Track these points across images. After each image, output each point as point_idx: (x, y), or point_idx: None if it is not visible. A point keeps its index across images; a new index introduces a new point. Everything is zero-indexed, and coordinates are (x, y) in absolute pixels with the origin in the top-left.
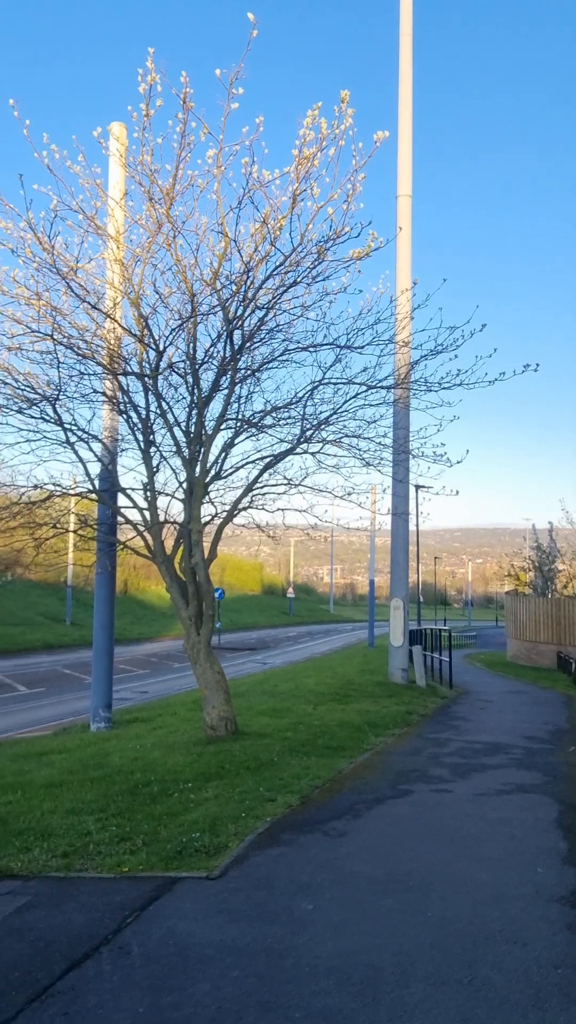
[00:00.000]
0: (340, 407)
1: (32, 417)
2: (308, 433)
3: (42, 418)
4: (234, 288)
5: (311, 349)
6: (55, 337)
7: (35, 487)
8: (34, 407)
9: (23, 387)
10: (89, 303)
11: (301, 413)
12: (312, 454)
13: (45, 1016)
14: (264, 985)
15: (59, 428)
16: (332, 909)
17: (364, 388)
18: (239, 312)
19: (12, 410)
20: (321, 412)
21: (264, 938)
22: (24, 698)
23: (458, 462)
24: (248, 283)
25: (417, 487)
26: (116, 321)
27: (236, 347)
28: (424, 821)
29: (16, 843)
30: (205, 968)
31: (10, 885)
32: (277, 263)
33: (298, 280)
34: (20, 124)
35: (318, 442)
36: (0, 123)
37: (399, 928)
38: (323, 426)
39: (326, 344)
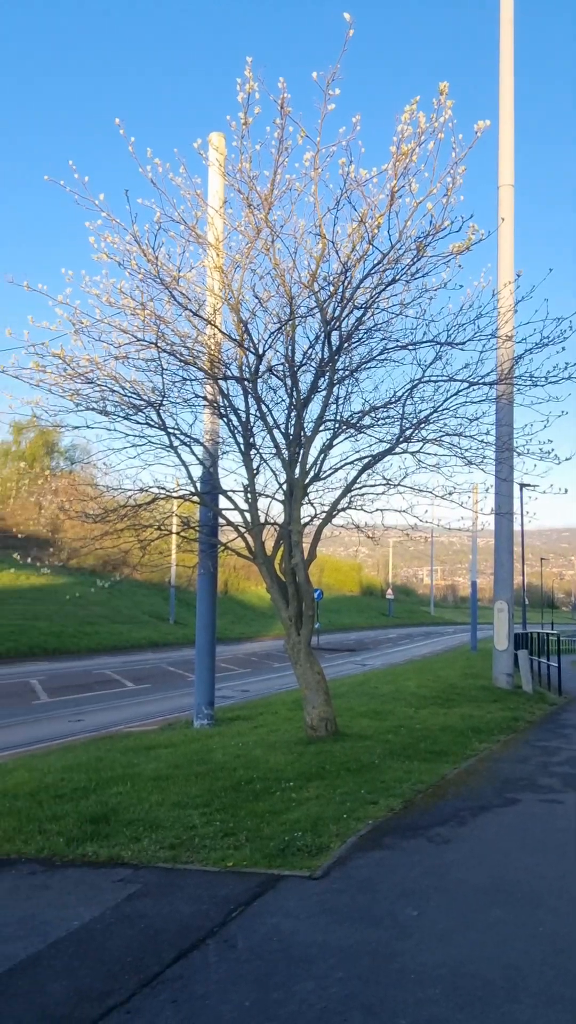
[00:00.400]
0: (441, 405)
1: (138, 423)
2: (408, 432)
3: (147, 423)
4: (332, 289)
5: (410, 347)
6: (159, 345)
7: (141, 490)
8: (140, 413)
9: (130, 394)
10: (191, 311)
11: (400, 412)
12: (412, 453)
13: (156, 1001)
14: (369, 989)
15: (163, 433)
16: (437, 916)
17: (466, 385)
18: (337, 313)
19: (120, 416)
20: (421, 411)
21: (368, 941)
22: (131, 693)
23: (567, 459)
24: (346, 283)
25: (522, 486)
26: (216, 327)
27: (334, 348)
28: (533, 831)
29: (126, 833)
30: (309, 967)
31: (121, 873)
32: (375, 261)
33: (397, 278)
34: (125, 141)
35: (418, 441)
36: (107, 141)
37: (508, 940)
38: (423, 425)
39: (426, 341)
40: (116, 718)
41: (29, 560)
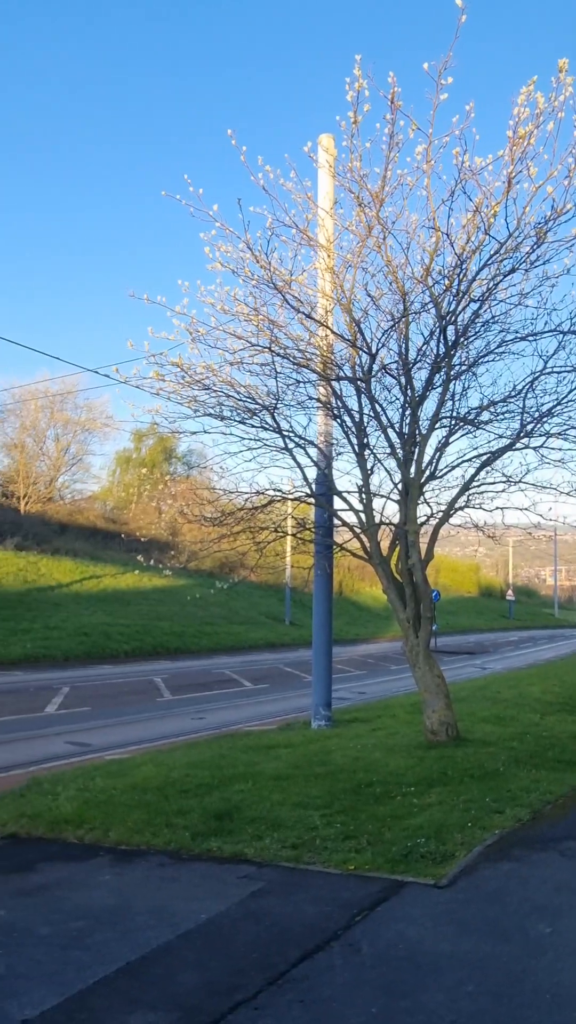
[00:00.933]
0: (565, 397)
1: (253, 427)
2: (529, 427)
3: (262, 427)
4: (447, 283)
5: (530, 338)
6: (273, 349)
7: (257, 493)
8: (255, 416)
9: (245, 399)
10: (303, 313)
11: (521, 407)
12: (534, 449)
13: (283, 1000)
14: (501, 1006)
15: (278, 435)
16: (572, 935)
17: None
18: (452, 307)
19: (236, 421)
20: (543, 404)
21: (499, 956)
22: (249, 693)
23: None
24: (461, 276)
25: None
26: (329, 328)
27: (450, 343)
28: None
29: (249, 830)
30: (438, 978)
31: (245, 870)
32: (492, 252)
33: (515, 267)
34: (237, 151)
35: (540, 436)
36: (216, 150)
37: None
38: (545, 419)
39: (547, 331)
40: (236, 717)
41: (152, 562)
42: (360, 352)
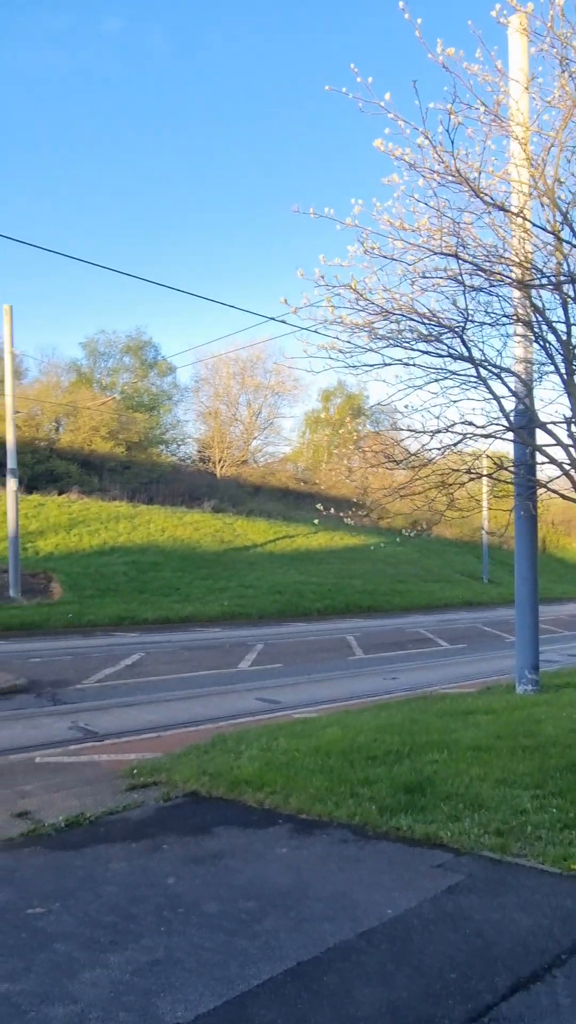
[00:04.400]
0: None
1: (439, 355)
2: None
3: (449, 354)
4: None
5: None
6: (460, 255)
7: (445, 429)
8: (438, 342)
9: (428, 323)
10: (496, 204)
11: None
12: None
13: None
14: None
15: (468, 364)
16: None
17: None
18: None
19: (419, 351)
20: None
21: None
22: (445, 653)
23: None
24: None
25: None
26: (526, 219)
27: None
28: None
29: (444, 808)
30: None
31: (440, 857)
32: None
33: None
34: (411, 25)
35: None
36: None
37: None
38: None
39: None
40: (430, 678)
41: (340, 518)
42: (567, 246)
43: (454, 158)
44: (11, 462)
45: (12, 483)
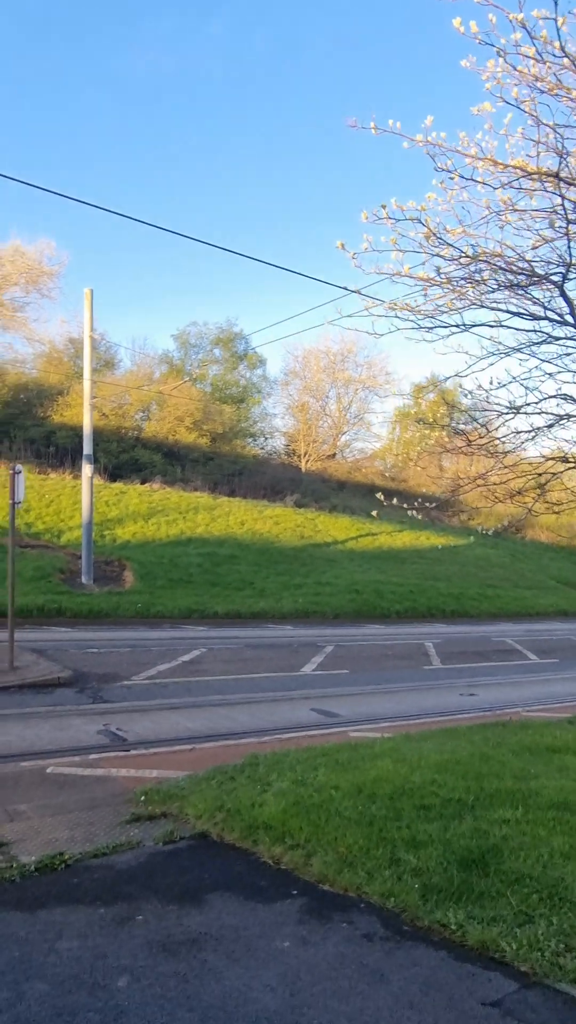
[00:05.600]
0: None
1: (533, 317)
2: None
3: (544, 315)
4: None
5: None
6: (562, 176)
7: (550, 397)
8: (526, 296)
9: (512, 269)
10: None
11: None
12: None
13: None
14: None
15: (568, 323)
16: None
17: None
18: None
19: (505, 310)
20: None
21: None
22: (533, 668)
23: None
24: None
25: None
26: None
27: None
28: None
29: (512, 900)
30: None
31: (499, 985)
32: None
33: None
34: None
35: None
36: None
37: None
38: None
39: None
40: (513, 696)
41: (431, 520)
42: None
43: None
44: (87, 448)
45: (88, 469)
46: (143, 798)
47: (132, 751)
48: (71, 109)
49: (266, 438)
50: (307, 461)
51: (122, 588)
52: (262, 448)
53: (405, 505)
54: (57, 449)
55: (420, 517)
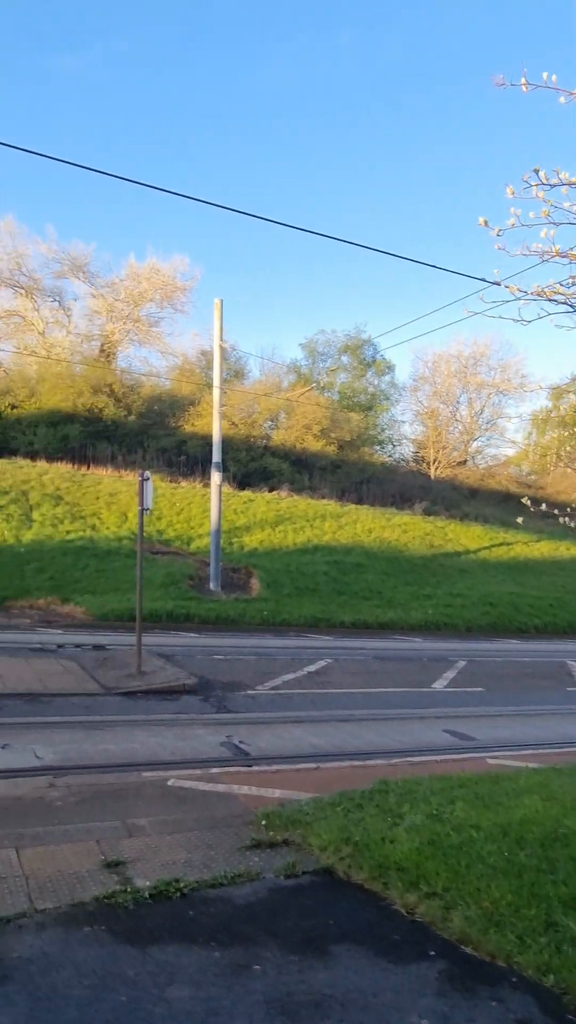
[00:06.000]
0: None
1: None
2: None
3: None
4: None
5: None
6: None
7: None
8: None
9: None
10: None
11: None
12: None
13: None
14: None
15: None
16: None
17: None
18: None
19: None
20: None
21: None
22: None
23: None
24: None
25: None
26: None
27: None
28: None
29: None
30: None
31: None
32: None
33: None
34: None
35: None
36: None
37: None
38: None
39: None
40: None
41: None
42: None
43: None
44: (216, 456)
45: (216, 477)
46: (264, 822)
47: (254, 767)
48: (207, 126)
49: (394, 445)
50: (436, 468)
51: (249, 595)
52: (390, 455)
53: (556, 511)
54: (188, 458)
55: (574, 525)
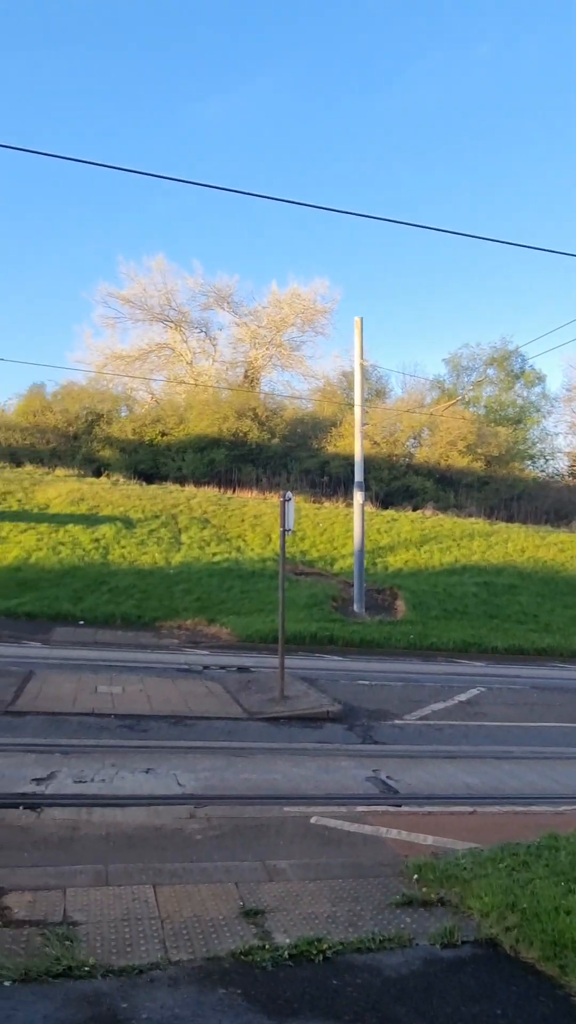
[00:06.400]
0: None
1: None
2: None
3: None
4: None
5: None
6: None
7: None
8: None
9: None
10: None
11: None
12: None
13: None
14: None
15: None
16: None
17: None
18: None
19: None
20: None
21: None
22: None
23: None
24: None
25: None
26: None
27: None
28: None
29: None
30: None
31: None
32: None
33: None
34: None
35: None
36: None
37: None
38: None
39: None
40: None
41: None
42: None
43: None
44: (359, 475)
45: (359, 496)
46: (416, 875)
47: (403, 806)
48: (349, 150)
49: (547, 459)
50: None
51: (394, 618)
52: (542, 470)
53: None
54: (330, 479)
55: None
